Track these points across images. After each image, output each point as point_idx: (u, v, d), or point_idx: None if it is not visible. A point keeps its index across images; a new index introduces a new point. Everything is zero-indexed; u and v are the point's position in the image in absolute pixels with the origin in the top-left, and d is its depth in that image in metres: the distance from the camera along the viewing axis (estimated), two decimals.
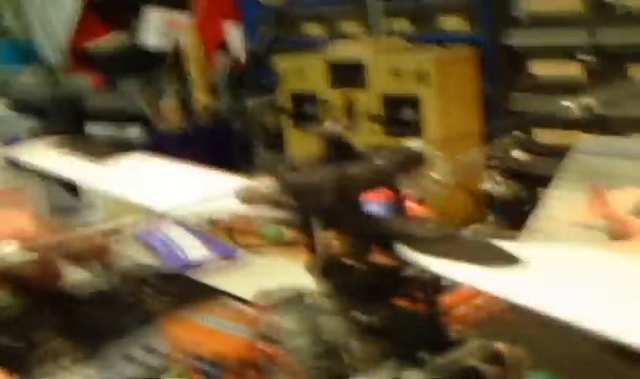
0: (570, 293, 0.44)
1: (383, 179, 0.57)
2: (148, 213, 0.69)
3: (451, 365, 0.55)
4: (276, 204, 0.56)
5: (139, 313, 0.88)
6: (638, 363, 0.60)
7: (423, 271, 0.55)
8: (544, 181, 1.46)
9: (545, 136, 1.68)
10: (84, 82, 3.05)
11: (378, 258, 0.57)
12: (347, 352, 0.56)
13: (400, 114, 1.70)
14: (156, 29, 2.50)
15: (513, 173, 1.46)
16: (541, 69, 1.67)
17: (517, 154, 1.45)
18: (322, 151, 0.58)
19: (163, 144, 2.12)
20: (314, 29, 2.12)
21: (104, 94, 2.86)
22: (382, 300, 0.58)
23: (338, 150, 0.58)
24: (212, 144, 2.33)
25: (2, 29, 3.94)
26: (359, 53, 1.77)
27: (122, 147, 1.85)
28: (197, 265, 1.32)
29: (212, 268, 1.31)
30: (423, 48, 1.78)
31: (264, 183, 0.57)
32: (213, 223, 1.68)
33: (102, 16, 2.98)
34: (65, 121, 2.47)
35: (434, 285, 0.57)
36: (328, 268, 0.58)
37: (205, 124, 2.34)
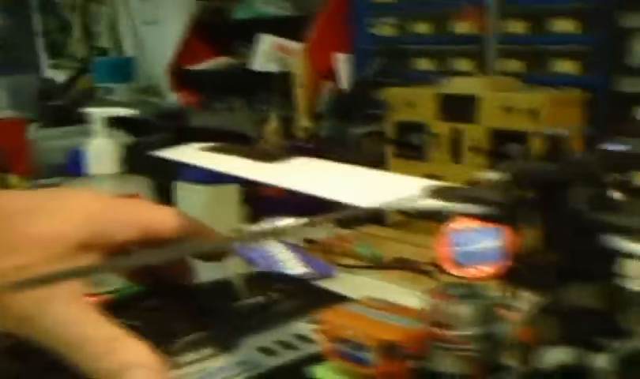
0: None
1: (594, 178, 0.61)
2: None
3: (632, 352, 0.58)
4: (476, 200, 0.61)
5: (272, 310, 0.92)
6: None
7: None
8: None
9: None
10: (178, 101, 3.14)
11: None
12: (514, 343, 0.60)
13: (506, 149, 1.75)
14: (265, 53, 2.59)
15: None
16: None
17: (615, 194, 1.49)
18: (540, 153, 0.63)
19: None
20: (425, 65, 2.19)
21: (206, 113, 2.94)
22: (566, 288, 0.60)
23: (554, 153, 0.63)
24: None
25: (99, 48, 4.05)
26: (471, 87, 1.82)
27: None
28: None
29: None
30: (536, 88, 1.83)
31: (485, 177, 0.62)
32: (311, 241, 1.74)
33: (209, 40, 3.07)
34: (166, 137, 2.56)
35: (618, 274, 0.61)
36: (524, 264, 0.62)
37: (306, 148, 2.41)
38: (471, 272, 1.40)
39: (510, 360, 0.61)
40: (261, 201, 1.74)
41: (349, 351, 0.67)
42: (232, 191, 1.97)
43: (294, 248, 1.66)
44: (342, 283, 1.41)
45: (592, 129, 1.80)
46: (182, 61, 3.12)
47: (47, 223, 0.67)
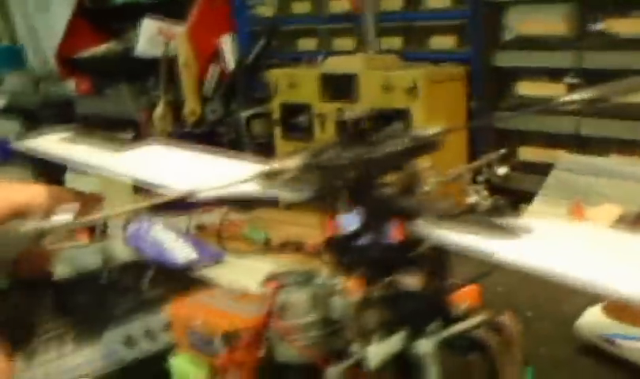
0: (570, 258, 0.49)
1: (398, 162, 0.63)
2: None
3: (457, 336, 0.60)
4: (298, 182, 0.61)
5: (137, 300, 0.91)
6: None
7: (434, 248, 0.61)
8: (527, 196, 1.53)
9: (528, 154, 1.75)
10: (72, 88, 3.08)
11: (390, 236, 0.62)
12: (352, 328, 0.60)
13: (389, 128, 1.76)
14: (149, 38, 2.54)
15: (497, 188, 1.51)
16: (527, 89, 1.73)
17: (501, 170, 1.51)
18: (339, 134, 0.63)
19: None
20: (307, 44, 2.18)
21: (93, 99, 2.89)
22: (393, 274, 0.61)
23: (354, 135, 0.63)
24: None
25: None
26: (351, 66, 1.82)
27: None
28: (185, 267, 1.37)
29: (199, 269, 1.36)
30: (414, 65, 1.84)
31: (287, 164, 0.62)
32: (202, 228, 1.73)
33: (95, 26, 3.01)
34: (55, 124, 2.50)
35: (442, 262, 0.62)
36: (342, 246, 0.63)
37: (193, 131, 2.39)
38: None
39: (349, 344, 0.60)
40: None
41: (198, 342, 0.66)
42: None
43: (184, 235, 1.64)
44: (232, 268, 1.41)
45: (476, 104, 1.82)
46: (69, 47, 3.04)
47: None
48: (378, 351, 0.58)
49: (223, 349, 0.64)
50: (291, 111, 1.99)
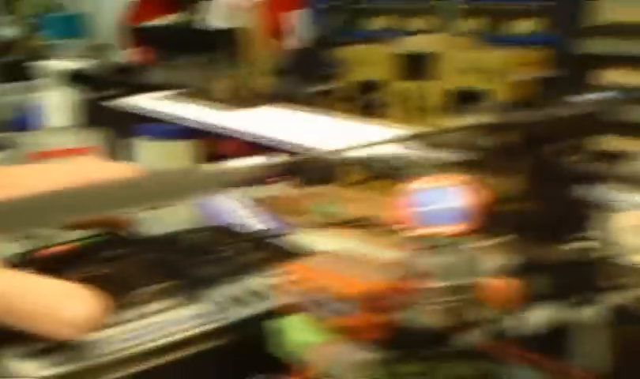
0: None
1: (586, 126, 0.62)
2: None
3: (616, 305, 0.59)
4: (460, 146, 0.61)
5: (235, 263, 0.91)
6: None
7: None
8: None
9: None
10: (131, 57, 3.09)
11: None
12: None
13: (466, 109, 1.75)
14: (220, 10, 2.55)
15: None
16: (614, 76, 1.71)
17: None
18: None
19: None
20: (382, 23, 2.17)
21: (158, 69, 2.90)
22: (553, 240, 0.61)
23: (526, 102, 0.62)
24: None
25: (54, 3, 3.97)
26: (430, 45, 1.81)
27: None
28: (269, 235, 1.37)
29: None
30: (495, 47, 1.83)
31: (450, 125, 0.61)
32: (268, 200, 1.73)
33: None
34: (120, 92, 2.52)
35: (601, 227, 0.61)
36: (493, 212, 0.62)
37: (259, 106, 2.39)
38: (431, 231, 1.39)
39: (486, 313, 0.60)
40: (217, 158, 1.72)
41: (321, 304, 0.65)
42: (186, 147, 1.95)
43: (249, 205, 1.64)
44: (298, 242, 1.41)
45: (556, 89, 1.81)
46: (135, 17, 3.06)
47: None
48: (532, 319, 0.58)
49: (352, 312, 0.63)
50: (363, 89, 1.98)
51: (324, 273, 0.67)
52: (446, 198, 1.36)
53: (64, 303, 0.64)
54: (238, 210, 1.60)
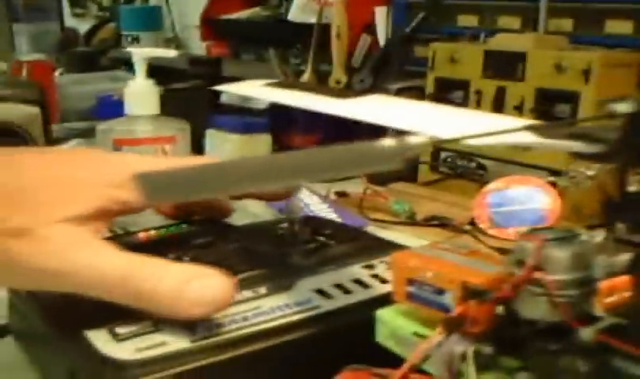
0: None
1: None
2: None
3: None
4: (585, 137, 0.58)
5: (325, 254, 0.89)
6: None
7: None
8: None
9: None
10: (215, 49, 3.10)
11: None
12: None
13: (554, 110, 1.70)
14: (303, 4, 2.53)
15: None
16: None
17: None
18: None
19: (293, 116, 2.15)
20: (468, 20, 2.13)
21: (237, 63, 2.91)
22: None
23: None
24: (341, 122, 2.33)
25: None
26: (519, 44, 1.77)
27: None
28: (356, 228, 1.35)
29: None
30: (586, 48, 1.78)
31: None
32: (342, 194, 1.71)
33: None
34: (199, 84, 2.52)
35: None
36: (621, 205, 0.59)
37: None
38: (510, 233, 1.35)
39: (605, 308, 0.56)
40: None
41: (425, 295, 0.62)
42: (263, 140, 1.94)
43: (326, 199, 1.63)
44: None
45: None
46: (214, 10, 3.07)
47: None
48: None
49: (459, 303, 0.60)
50: (448, 87, 1.95)
51: (432, 263, 0.64)
52: (522, 200, 1.33)
53: (193, 283, 0.64)
54: (313, 204, 1.59)
